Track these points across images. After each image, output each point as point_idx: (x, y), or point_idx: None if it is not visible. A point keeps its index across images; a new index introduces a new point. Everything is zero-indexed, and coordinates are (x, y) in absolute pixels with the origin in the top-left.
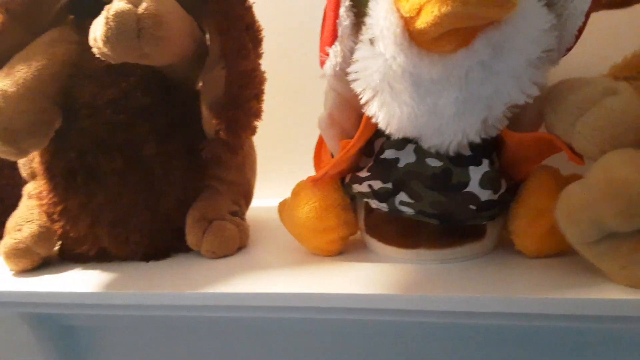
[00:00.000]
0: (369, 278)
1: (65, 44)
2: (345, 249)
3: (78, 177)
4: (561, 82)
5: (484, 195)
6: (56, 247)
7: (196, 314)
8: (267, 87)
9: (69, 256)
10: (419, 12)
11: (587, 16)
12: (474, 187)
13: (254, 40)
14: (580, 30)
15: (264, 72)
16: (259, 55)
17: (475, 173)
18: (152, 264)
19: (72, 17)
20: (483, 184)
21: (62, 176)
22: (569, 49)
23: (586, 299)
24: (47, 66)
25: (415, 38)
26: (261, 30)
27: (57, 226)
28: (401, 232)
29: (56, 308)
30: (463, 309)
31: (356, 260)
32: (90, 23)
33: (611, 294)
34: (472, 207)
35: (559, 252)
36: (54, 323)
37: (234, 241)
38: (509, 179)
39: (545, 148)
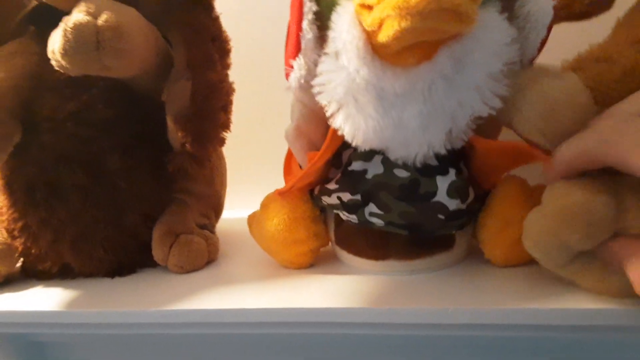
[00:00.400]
0: (339, 291)
1: (26, 56)
2: (316, 261)
3: (38, 192)
4: None
5: (452, 204)
6: (18, 264)
7: (165, 332)
8: (236, 98)
9: (31, 273)
10: (380, 26)
11: (549, 29)
12: (441, 196)
13: (220, 51)
14: (543, 42)
15: (232, 83)
16: (226, 66)
17: (443, 183)
18: (117, 280)
19: (32, 28)
20: (450, 193)
21: (22, 191)
22: (531, 60)
23: (558, 308)
24: (6, 78)
25: (378, 51)
26: (228, 41)
27: (17, 243)
28: (371, 244)
29: (21, 327)
30: (433, 321)
31: (327, 272)
32: (49, 34)
33: (582, 304)
34: (440, 216)
35: (527, 261)
36: (21, 339)
37: (202, 255)
38: (478, 188)
39: (516, 157)
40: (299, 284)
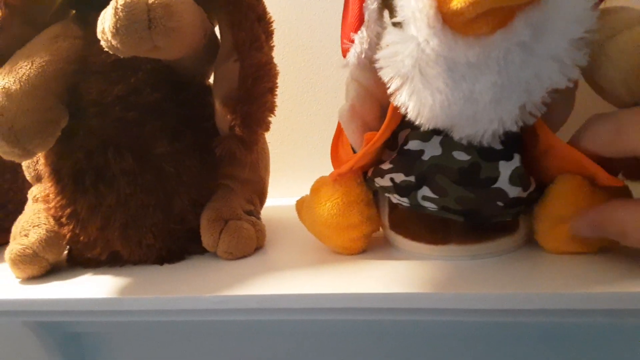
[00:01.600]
0: (397, 276)
1: (69, 39)
2: (368, 247)
3: (86, 178)
4: None
5: (513, 192)
6: (65, 252)
7: (215, 318)
8: (279, 81)
9: (78, 261)
10: None
11: None
12: (503, 183)
13: (266, 32)
14: None
15: (276, 65)
16: (271, 48)
17: (505, 168)
18: (166, 267)
19: (74, 11)
20: (513, 180)
21: (69, 178)
22: None
23: (623, 292)
24: (51, 62)
25: (449, 20)
26: (272, 21)
27: (65, 230)
28: (429, 228)
29: (67, 316)
30: (498, 307)
31: (381, 258)
32: (94, 17)
33: None
34: (500, 203)
35: (580, 252)
36: (58, 330)
37: (251, 241)
38: (535, 177)
39: (579, 169)
40: (353, 270)
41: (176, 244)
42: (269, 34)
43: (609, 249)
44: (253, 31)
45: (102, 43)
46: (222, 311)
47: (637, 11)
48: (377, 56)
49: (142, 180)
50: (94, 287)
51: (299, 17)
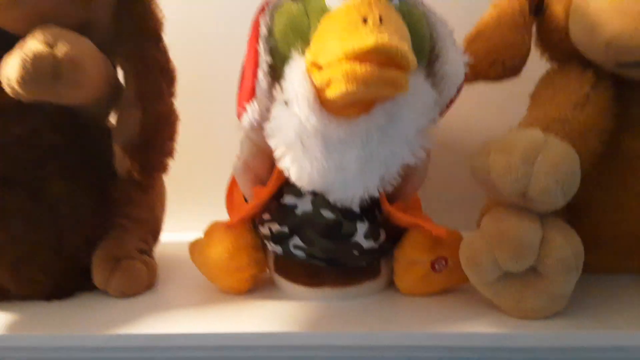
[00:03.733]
0: (277, 316)
1: None
2: (255, 288)
3: None
4: (489, 141)
5: (367, 244)
6: None
7: (103, 356)
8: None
9: None
10: (328, 84)
11: (459, 88)
12: (359, 237)
13: (168, 82)
14: (452, 100)
15: (176, 111)
16: (172, 94)
17: (361, 227)
18: (55, 303)
19: None
20: (367, 235)
21: None
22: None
23: (468, 332)
24: None
25: (325, 104)
26: (174, 70)
27: None
28: (307, 272)
29: None
30: (362, 344)
31: (265, 298)
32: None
33: (489, 328)
34: (355, 252)
35: (430, 294)
36: None
37: (142, 280)
38: (391, 230)
39: (415, 226)
40: (238, 309)
41: (66, 281)
42: (171, 82)
43: (451, 290)
44: (156, 83)
45: (7, 89)
46: (109, 349)
47: (533, 132)
48: (266, 128)
49: (36, 218)
50: None
51: (202, 61)
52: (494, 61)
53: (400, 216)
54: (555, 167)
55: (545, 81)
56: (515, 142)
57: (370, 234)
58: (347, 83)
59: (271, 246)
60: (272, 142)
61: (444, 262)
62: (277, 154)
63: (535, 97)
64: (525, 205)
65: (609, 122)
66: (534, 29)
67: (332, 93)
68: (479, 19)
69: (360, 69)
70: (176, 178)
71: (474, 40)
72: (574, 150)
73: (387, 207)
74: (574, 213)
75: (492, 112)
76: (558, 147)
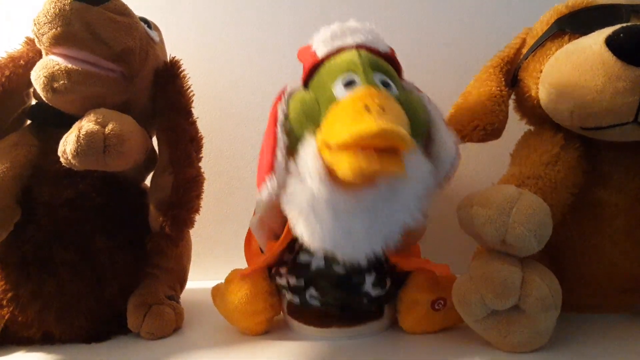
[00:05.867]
0: (291, 354)
1: (26, 147)
2: (270, 329)
3: (31, 267)
4: (471, 194)
5: (375, 292)
6: None
7: None
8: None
9: (13, 339)
10: (337, 164)
11: (453, 164)
12: (367, 287)
13: (196, 150)
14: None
15: (203, 173)
16: (199, 160)
17: (369, 278)
18: (93, 345)
19: (29, 122)
20: (374, 284)
21: (15, 265)
22: (440, 184)
23: None
24: (11, 168)
25: (334, 177)
26: (202, 139)
27: (4, 311)
28: (317, 315)
29: None
30: None
31: (280, 338)
32: (50, 131)
33: None
34: (365, 300)
35: (431, 331)
36: None
37: (171, 324)
38: (395, 275)
39: (421, 269)
40: (256, 349)
41: (104, 326)
42: (199, 149)
43: (450, 328)
44: (186, 150)
45: (62, 160)
46: None
47: (508, 187)
48: (282, 198)
49: (80, 269)
50: None
51: (224, 133)
52: (476, 126)
53: (406, 263)
54: (528, 217)
55: (522, 142)
56: (493, 197)
57: (378, 283)
58: (353, 173)
59: (289, 296)
60: (286, 209)
61: (442, 302)
62: (291, 220)
63: (514, 156)
64: (506, 251)
65: (579, 178)
66: (512, 97)
67: (340, 173)
68: (464, 89)
69: (364, 163)
70: (200, 231)
71: (459, 108)
72: (545, 203)
73: (394, 259)
74: (554, 257)
75: (481, 168)
76: (531, 200)
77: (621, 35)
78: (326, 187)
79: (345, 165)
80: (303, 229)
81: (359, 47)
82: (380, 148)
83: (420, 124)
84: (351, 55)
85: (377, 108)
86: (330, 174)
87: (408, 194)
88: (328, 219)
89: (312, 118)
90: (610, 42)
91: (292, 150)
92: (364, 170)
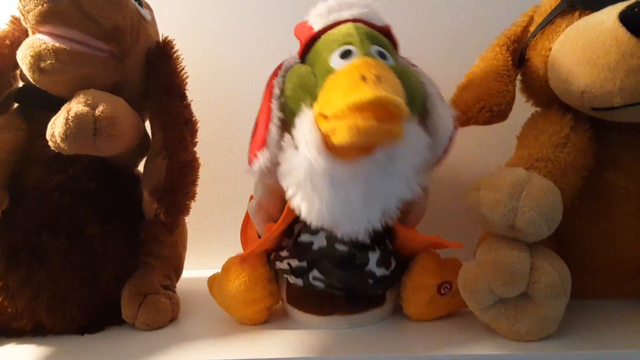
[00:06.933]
0: (290, 343)
1: (13, 131)
2: (269, 318)
3: (21, 255)
4: (478, 178)
5: (380, 272)
6: None
7: None
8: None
9: (1, 331)
10: (333, 132)
11: (450, 138)
12: (372, 266)
13: (191, 133)
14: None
15: (198, 159)
16: (194, 144)
17: (373, 256)
18: (86, 337)
19: (16, 105)
20: (379, 263)
21: (4, 254)
22: (439, 160)
23: (471, 354)
24: None
25: (331, 148)
26: (197, 122)
27: None
28: (317, 303)
29: None
30: None
31: (279, 327)
32: (38, 114)
33: (487, 350)
34: (370, 281)
35: (436, 317)
36: None
37: (167, 314)
38: (400, 257)
39: (428, 245)
40: (255, 339)
41: (97, 316)
42: (194, 133)
43: (456, 313)
44: (180, 134)
45: (51, 144)
46: None
47: (516, 170)
48: (279, 170)
49: (72, 257)
50: (19, 356)
51: (219, 116)
52: (482, 107)
53: (415, 236)
54: (539, 201)
55: (530, 124)
56: (502, 180)
57: (382, 262)
58: (351, 134)
59: (292, 279)
60: (284, 183)
61: (448, 286)
62: (288, 193)
63: (521, 138)
64: (514, 236)
65: (588, 160)
66: (519, 77)
67: (337, 140)
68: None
69: (361, 122)
70: (196, 219)
71: (465, 89)
72: (555, 186)
73: (401, 230)
74: (563, 242)
75: (486, 151)
76: (541, 183)
77: (635, 9)
78: (323, 157)
79: (341, 135)
80: (301, 201)
81: (355, 20)
82: (377, 117)
83: (416, 95)
84: (348, 28)
85: (374, 78)
86: (327, 144)
87: (405, 165)
88: (326, 190)
89: (308, 90)
90: (623, 18)
91: (287, 125)
92: (361, 130)
